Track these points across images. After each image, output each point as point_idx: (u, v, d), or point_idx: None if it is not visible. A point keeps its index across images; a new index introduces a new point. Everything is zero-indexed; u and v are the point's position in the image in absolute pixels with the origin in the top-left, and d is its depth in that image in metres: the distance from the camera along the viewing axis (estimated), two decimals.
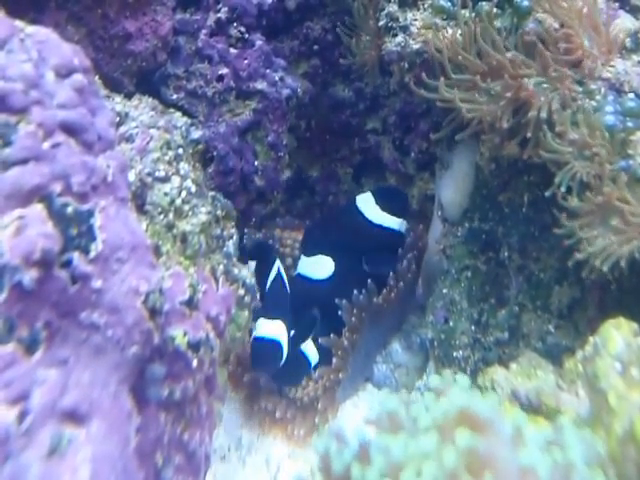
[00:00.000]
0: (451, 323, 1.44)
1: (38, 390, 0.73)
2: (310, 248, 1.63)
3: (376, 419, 0.86)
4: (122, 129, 1.11)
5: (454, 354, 1.42)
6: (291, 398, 1.52)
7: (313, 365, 1.56)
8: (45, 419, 0.73)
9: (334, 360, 1.54)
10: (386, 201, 1.65)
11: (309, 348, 1.55)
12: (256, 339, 1.44)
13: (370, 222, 1.63)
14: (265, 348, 1.43)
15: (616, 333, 0.98)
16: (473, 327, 1.41)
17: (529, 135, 1.19)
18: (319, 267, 1.61)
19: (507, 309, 1.37)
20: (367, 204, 1.64)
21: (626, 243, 1.07)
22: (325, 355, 1.55)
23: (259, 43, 1.57)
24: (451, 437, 0.76)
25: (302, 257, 1.65)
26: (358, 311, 1.55)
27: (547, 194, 1.16)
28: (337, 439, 0.86)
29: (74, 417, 0.75)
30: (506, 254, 1.37)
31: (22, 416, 0.71)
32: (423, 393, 0.87)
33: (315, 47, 1.73)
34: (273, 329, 1.45)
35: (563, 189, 1.12)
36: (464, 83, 1.26)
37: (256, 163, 1.58)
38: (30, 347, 0.74)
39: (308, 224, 1.78)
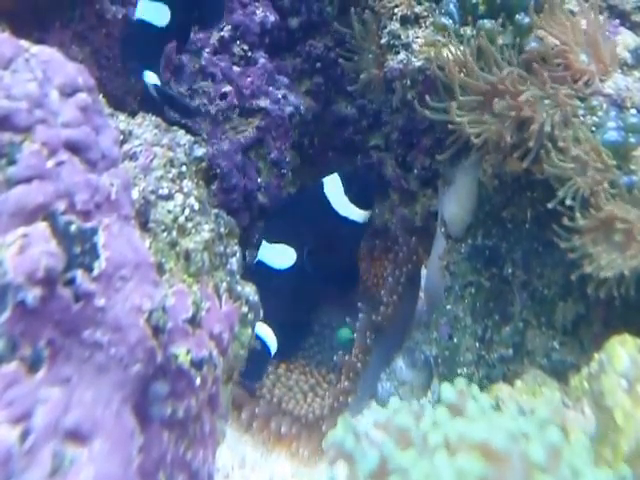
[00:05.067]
0: (455, 340, 1.43)
1: (41, 409, 0.73)
2: (272, 234, 1.58)
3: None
4: (126, 147, 1.11)
5: (458, 371, 1.41)
6: (296, 415, 1.51)
7: (273, 354, 1.51)
8: (47, 438, 0.72)
9: (344, 382, 1.52)
10: (355, 190, 1.61)
11: (267, 334, 1.48)
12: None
13: (337, 213, 1.60)
14: None
15: (621, 350, 0.98)
16: (477, 344, 1.40)
17: (531, 144, 1.19)
18: (280, 256, 1.57)
19: (511, 325, 1.36)
20: (335, 192, 1.60)
21: (631, 259, 1.07)
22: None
23: (262, 61, 1.58)
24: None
25: (264, 243, 1.59)
26: (368, 331, 1.54)
27: (550, 206, 1.16)
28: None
29: (76, 436, 0.75)
30: (510, 270, 1.37)
31: (24, 436, 0.71)
32: (434, 405, 0.86)
33: (318, 65, 1.74)
34: None
35: (568, 203, 1.12)
36: (469, 103, 1.27)
37: (259, 180, 1.59)
38: (33, 366, 0.74)
39: (274, 208, 1.68)
